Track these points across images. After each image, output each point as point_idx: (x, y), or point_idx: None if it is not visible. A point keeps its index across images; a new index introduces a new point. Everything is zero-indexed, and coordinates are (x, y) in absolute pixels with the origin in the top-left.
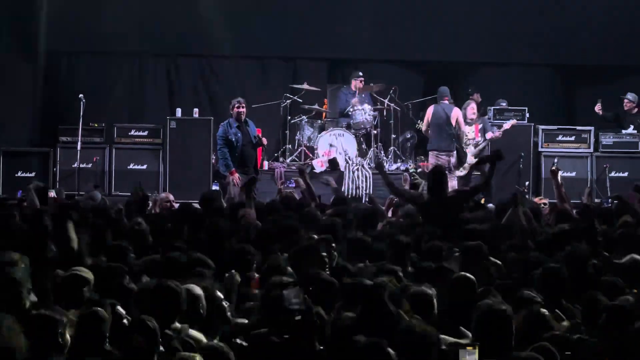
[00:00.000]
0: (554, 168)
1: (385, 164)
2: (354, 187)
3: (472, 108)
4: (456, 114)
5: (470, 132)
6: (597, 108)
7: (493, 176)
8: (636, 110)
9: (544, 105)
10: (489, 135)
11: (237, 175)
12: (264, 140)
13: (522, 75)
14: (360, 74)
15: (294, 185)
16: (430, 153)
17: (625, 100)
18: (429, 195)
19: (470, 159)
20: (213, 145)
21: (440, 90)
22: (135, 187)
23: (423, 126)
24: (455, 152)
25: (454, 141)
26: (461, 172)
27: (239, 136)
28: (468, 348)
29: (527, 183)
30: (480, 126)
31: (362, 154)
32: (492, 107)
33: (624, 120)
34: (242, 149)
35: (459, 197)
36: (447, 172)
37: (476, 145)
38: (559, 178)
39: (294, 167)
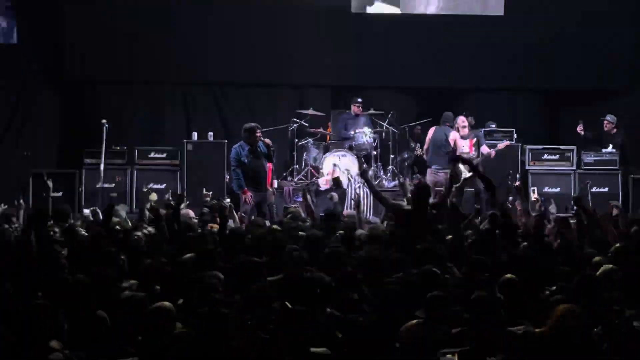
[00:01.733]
0: (518, 184)
1: (384, 182)
2: (356, 209)
3: (462, 121)
4: (454, 136)
5: (465, 147)
6: (579, 129)
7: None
8: (615, 130)
9: (530, 127)
10: (484, 148)
11: (249, 194)
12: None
13: (510, 99)
14: (359, 100)
15: (301, 199)
16: (429, 170)
17: (605, 122)
18: (413, 206)
19: (465, 174)
20: (227, 166)
21: (444, 115)
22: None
23: (425, 145)
24: (448, 169)
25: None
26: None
27: (251, 158)
28: (448, 356)
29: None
30: (474, 140)
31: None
32: (482, 129)
33: (604, 139)
34: (254, 169)
35: (437, 211)
36: (440, 188)
37: (473, 160)
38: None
39: (301, 186)
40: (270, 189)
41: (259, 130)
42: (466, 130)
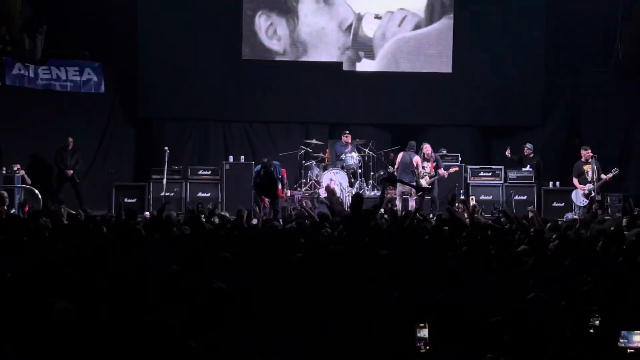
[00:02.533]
0: (463, 197)
1: (366, 192)
2: (347, 207)
3: (427, 148)
4: (417, 159)
5: (427, 167)
6: (507, 152)
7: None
8: (532, 155)
9: (470, 152)
10: (441, 171)
11: (266, 200)
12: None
13: (456, 132)
14: (347, 132)
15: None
16: (398, 185)
17: (525, 148)
18: (351, 211)
19: (424, 183)
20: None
21: (409, 144)
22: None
23: (395, 165)
24: (414, 182)
25: (414, 176)
26: (415, 196)
27: (262, 178)
28: (420, 325)
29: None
30: (434, 163)
31: (351, 185)
32: (437, 154)
33: (524, 161)
34: (262, 186)
35: (369, 214)
36: (407, 196)
37: (431, 176)
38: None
39: (307, 194)
40: (283, 197)
41: (271, 165)
42: (430, 154)
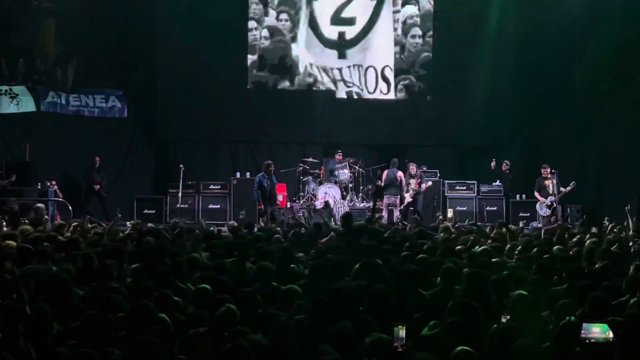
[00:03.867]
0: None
1: (357, 204)
2: (338, 217)
3: (412, 167)
4: (400, 174)
5: (412, 183)
6: (493, 164)
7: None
8: (508, 170)
9: (448, 168)
10: (423, 186)
11: (261, 206)
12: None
13: (435, 151)
14: (340, 151)
15: (301, 214)
16: (385, 196)
17: (504, 163)
18: (343, 226)
19: (409, 199)
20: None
21: (392, 161)
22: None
23: (382, 182)
24: (399, 195)
25: (398, 189)
26: (402, 207)
27: (269, 183)
28: (399, 326)
29: (438, 214)
30: (419, 180)
31: (343, 197)
32: (420, 171)
33: (501, 176)
34: (270, 190)
35: (362, 228)
36: (393, 207)
37: (416, 192)
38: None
39: (304, 206)
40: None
41: (272, 165)
42: (415, 171)
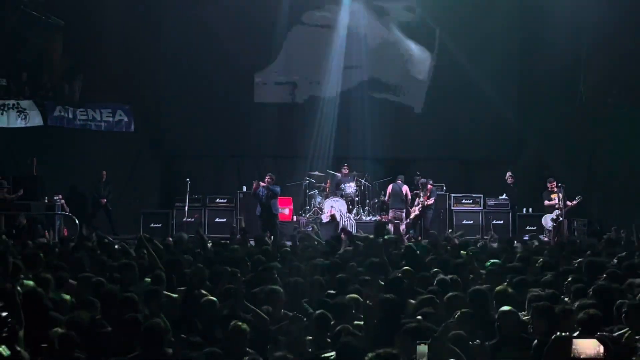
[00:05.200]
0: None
1: (363, 217)
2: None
3: (422, 184)
4: (405, 189)
5: (422, 197)
6: (508, 176)
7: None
8: (513, 183)
9: (454, 182)
10: (431, 200)
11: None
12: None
13: (441, 165)
14: (346, 165)
15: (311, 229)
16: (390, 210)
17: (509, 176)
18: (375, 235)
19: (415, 212)
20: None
21: (399, 176)
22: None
23: (386, 196)
24: (405, 209)
25: (404, 203)
26: (407, 220)
27: (264, 193)
28: (422, 344)
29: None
30: (428, 195)
31: (349, 211)
32: (433, 187)
33: (506, 189)
34: (263, 200)
35: (389, 241)
36: (398, 221)
37: (424, 206)
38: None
39: (311, 219)
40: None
41: (268, 176)
42: (426, 187)
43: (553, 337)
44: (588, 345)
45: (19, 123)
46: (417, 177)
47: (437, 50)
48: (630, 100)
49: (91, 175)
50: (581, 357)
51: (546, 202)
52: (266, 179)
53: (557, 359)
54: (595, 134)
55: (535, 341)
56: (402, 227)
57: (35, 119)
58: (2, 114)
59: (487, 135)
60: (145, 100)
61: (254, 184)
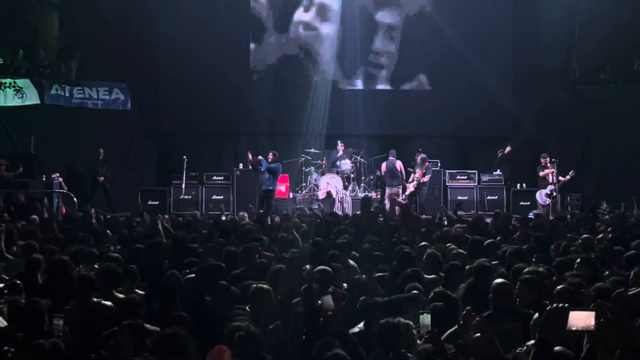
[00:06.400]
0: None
1: (359, 193)
2: (341, 206)
3: (419, 159)
4: (399, 164)
5: (416, 173)
6: (507, 150)
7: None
8: (502, 154)
9: (449, 159)
10: (426, 177)
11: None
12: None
13: (437, 142)
14: (339, 142)
15: (317, 206)
16: (387, 187)
17: (508, 150)
18: (361, 210)
19: (411, 188)
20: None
21: (390, 151)
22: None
23: (382, 171)
24: (400, 185)
25: (399, 179)
26: (403, 196)
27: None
28: (424, 314)
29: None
30: (424, 171)
31: (345, 188)
32: (429, 164)
33: (499, 164)
34: (261, 175)
35: (375, 213)
36: (395, 197)
37: (419, 182)
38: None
39: (307, 196)
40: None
41: (271, 154)
42: (419, 161)
43: (548, 308)
44: (581, 317)
45: (16, 101)
46: (418, 154)
47: (435, 33)
48: (621, 77)
49: (88, 154)
50: (572, 329)
51: (540, 173)
52: (269, 157)
53: (552, 329)
54: (589, 112)
55: (532, 314)
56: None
57: (32, 98)
58: None
59: (482, 113)
60: (141, 78)
61: (254, 158)
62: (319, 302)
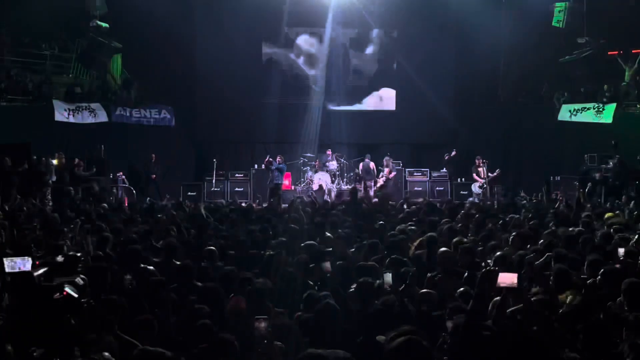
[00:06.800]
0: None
1: (343, 187)
2: (329, 198)
3: (386, 160)
4: (372, 165)
5: (386, 171)
6: (451, 154)
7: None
8: (448, 157)
9: (407, 160)
10: (392, 174)
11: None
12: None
13: (398, 147)
14: (329, 148)
15: (310, 195)
16: (363, 181)
17: (453, 154)
18: (350, 200)
19: (381, 182)
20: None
21: (366, 155)
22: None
23: (360, 170)
24: (373, 180)
25: (372, 176)
26: (375, 187)
27: (275, 166)
28: (387, 272)
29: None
30: (390, 169)
31: (332, 182)
32: (393, 164)
33: (446, 164)
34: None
35: (358, 201)
36: (369, 189)
37: (387, 178)
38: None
39: (304, 188)
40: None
41: (278, 157)
42: (388, 162)
43: (484, 270)
44: (507, 277)
45: (90, 119)
46: (387, 157)
47: (397, 65)
48: (532, 99)
49: (144, 158)
50: (500, 285)
51: (474, 175)
52: (277, 159)
53: (486, 286)
54: (509, 124)
55: (466, 273)
56: (371, 192)
57: (102, 117)
58: (78, 113)
59: (430, 126)
60: (182, 102)
61: (267, 159)
62: (323, 265)
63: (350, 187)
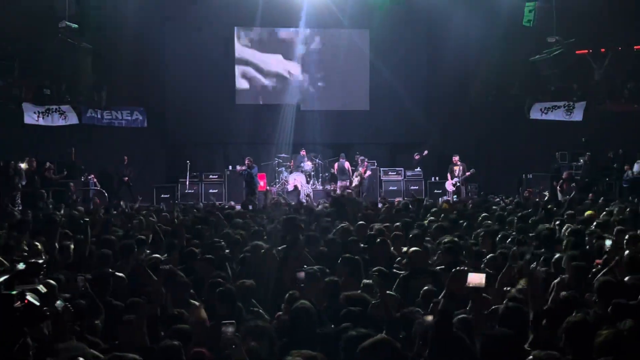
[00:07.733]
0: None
1: (318, 187)
2: (305, 197)
3: (361, 160)
4: (347, 165)
5: (360, 170)
6: (422, 154)
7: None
8: (419, 156)
9: (383, 159)
10: (367, 173)
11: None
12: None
13: (374, 147)
14: (304, 148)
15: (281, 194)
16: (338, 181)
17: (424, 154)
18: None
19: (356, 182)
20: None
21: (341, 154)
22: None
23: (334, 170)
24: (348, 180)
25: (347, 176)
26: (353, 184)
27: (246, 173)
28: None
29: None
30: (366, 168)
31: (307, 182)
32: (367, 163)
33: (419, 163)
34: (247, 180)
35: (343, 199)
36: (344, 188)
37: (360, 176)
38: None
39: (280, 189)
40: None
41: (247, 160)
42: (361, 162)
43: (454, 270)
44: (475, 277)
45: (60, 122)
46: (357, 155)
47: (370, 65)
48: (502, 100)
49: (116, 160)
50: (470, 285)
51: (448, 175)
52: (246, 162)
53: (455, 285)
54: (480, 124)
55: (437, 269)
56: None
57: (73, 119)
58: (47, 115)
59: (404, 126)
60: (154, 104)
61: (238, 168)
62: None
63: (327, 187)
